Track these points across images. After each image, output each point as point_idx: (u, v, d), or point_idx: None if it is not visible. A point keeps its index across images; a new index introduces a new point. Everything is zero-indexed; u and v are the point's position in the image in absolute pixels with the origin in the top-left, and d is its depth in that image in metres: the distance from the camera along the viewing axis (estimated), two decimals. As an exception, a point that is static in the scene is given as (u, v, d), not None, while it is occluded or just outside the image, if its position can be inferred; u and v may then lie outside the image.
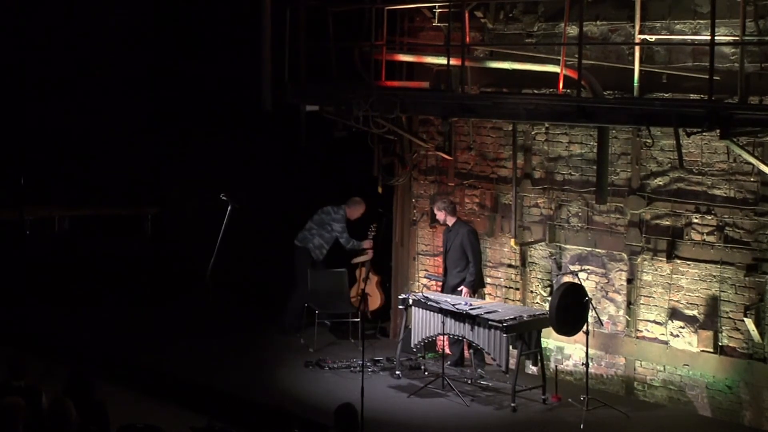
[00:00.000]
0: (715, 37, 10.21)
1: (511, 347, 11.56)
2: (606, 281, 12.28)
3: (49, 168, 16.81)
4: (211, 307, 13.57)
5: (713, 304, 11.40)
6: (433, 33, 13.51)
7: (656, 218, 11.83)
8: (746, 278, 11.14)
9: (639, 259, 11.95)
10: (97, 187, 17.06)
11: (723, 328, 11.34)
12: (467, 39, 12.42)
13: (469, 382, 12.39)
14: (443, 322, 11.95)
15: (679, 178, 11.63)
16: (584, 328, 11.50)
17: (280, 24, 13.17)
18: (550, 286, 12.70)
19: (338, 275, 14.17)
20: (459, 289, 12.71)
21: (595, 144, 11.79)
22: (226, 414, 11.39)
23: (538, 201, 12.84)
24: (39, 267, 15.91)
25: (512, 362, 11.62)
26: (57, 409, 8.04)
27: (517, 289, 13.03)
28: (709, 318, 11.43)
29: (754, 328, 11.01)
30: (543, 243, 12.78)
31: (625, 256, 12.08)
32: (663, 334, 11.81)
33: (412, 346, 12.44)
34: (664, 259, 11.74)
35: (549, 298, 12.29)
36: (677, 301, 11.69)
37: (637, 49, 11.31)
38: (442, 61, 12.45)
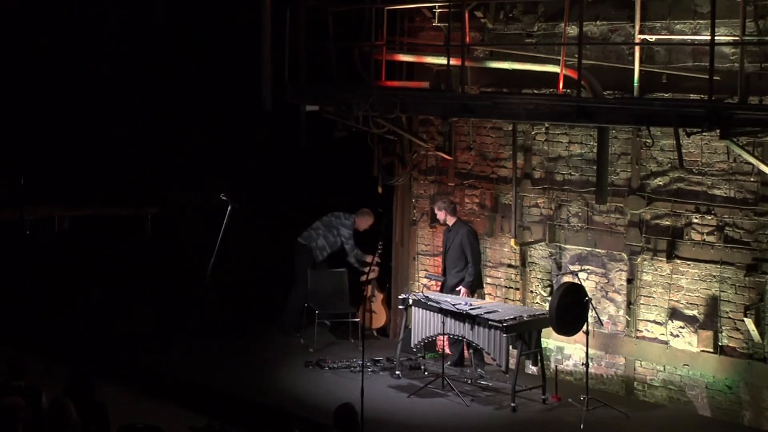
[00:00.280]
0: (715, 37, 10.21)
1: (511, 347, 11.56)
2: (606, 281, 12.28)
3: (49, 168, 16.80)
4: (211, 307, 13.56)
5: (713, 304, 11.40)
6: (433, 33, 13.52)
7: (656, 218, 11.83)
8: (746, 278, 11.14)
9: (639, 259, 11.95)
10: (97, 187, 17.06)
11: (723, 328, 11.35)
12: (467, 39, 12.42)
13: (469, 382, 12.40)
14: (443, 322, 11.95)
15: (679, 178, 11.63)
16: (584, 328, 11.50)
17: (280, 24, 13.17)
18: (550, 286, 12.70)
19: (338, 275, 14.16)
20: (458, 289, 12.71)
21: (595, 144, 11.79)
22: (226, 414, 11.39)
23: (538, 201, 12.84)
24: (39, 267, 15.91)
25: (512, 362, 11.62)
26: (57, 409, 8.03)
27: (517, 289, 13.03)
28: (709, 318, 11.43)
29: (754, 328, 11.01)
30: (543, 243, 12.78)
31: (625, 256, 12.08)
32: (663, 334, 11.81)
33: (412, 346, 12.44)
34: (664, 259, 11.74)
35: (549, 298, 12.29)
36: (677, 301, 11.70)
37: (637, 49, 11.31)
38: (442, 61, 12.45)
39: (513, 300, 13.03)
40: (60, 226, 16.35)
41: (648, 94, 11.46)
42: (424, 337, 12.28)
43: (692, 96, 11.25)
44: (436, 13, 13.14)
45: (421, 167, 14.03)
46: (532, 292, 12.93)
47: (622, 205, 12.08)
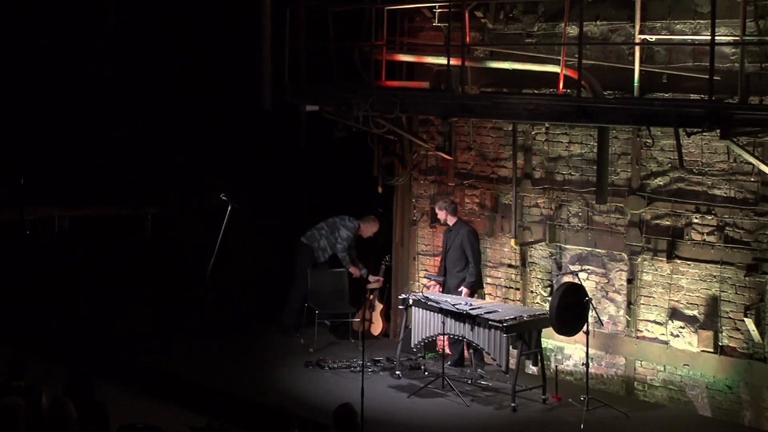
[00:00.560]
0: (715, 37, 10.21)
1: (511, 347, 11.56)
2: (606, 281, 12.28)
3: (49, 168, 16.78)
4: (211, 307, 13.55)
5: (713, 304, 11.39)
6: (433, 33, 13.51)
7: (656, 218, 11.83)
8: (746, 278, 11.14)
9: (639, 259, 11.94)
10: (97, 187, 17.04)
11: (723, 328, 11.34)
12: (467, 39, 12.42)
13: (469, 382, 12.39)
14: (443, 322, 11.95)
15: (679, 178, 11.63)
16: (584, 328, 11.50)
17: (280, 24, 13.17)
18: (550, 286, 12.70)
19: (338, 275, 14.16)
20: (459, 289, 12.71)
21: (595, 144, 11.79)
22: (226, 414, 11.38)
23: (538, 201, 12.84)
24: (39, 267, 15.89)
25: (512, 362, 11.62)
26: (57, 409, 8.03)
27: (517, 289, 13.02)
28: (709, 318, 11.43)
29: (754, 328, 11.00)
30: (543, 243, 12.78)
31: (625, 256, 12.08)
32: (663, 334, 11.81)
33: (412, 346, 12.44)
34: (664, 259, 11.74)
35: (549, 298, 12.29)
36: (677, 301, 11.69)
37: (637, 49, 11.30)
38: (442, 61, 12.45)
39: (513, 300, 13.02)
40: (60, 226, 16.33)
41: (648, 94, 11.46)
42: (424, 337, 12.27)
43: (692, 96, 11.25)
44: (436, 13, 13.14)
45: (421, 167, 14.03)
46: (532, 292, 12.93)
47: (622, 205, 12.08)
